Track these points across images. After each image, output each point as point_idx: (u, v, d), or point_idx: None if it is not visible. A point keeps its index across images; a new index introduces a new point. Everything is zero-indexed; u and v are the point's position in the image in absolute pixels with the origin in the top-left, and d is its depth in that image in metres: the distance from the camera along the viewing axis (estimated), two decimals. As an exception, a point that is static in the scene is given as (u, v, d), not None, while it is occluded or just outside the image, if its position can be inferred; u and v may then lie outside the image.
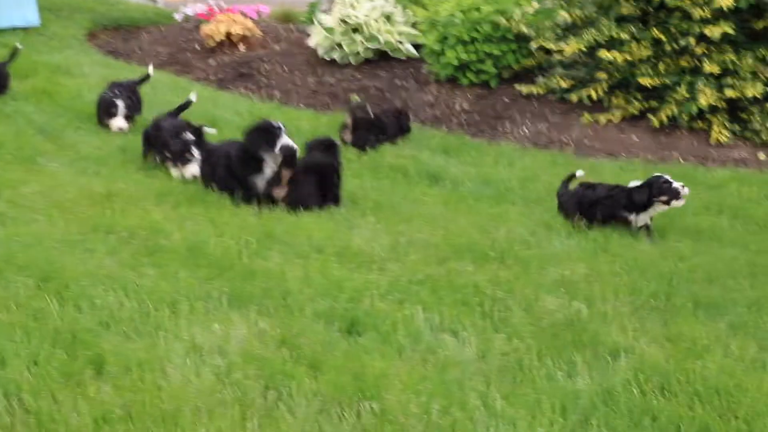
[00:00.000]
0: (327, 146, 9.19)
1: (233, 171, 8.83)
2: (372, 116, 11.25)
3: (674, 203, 8.40)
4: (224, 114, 12.20)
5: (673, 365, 5.83)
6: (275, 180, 8.77)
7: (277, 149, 8.67)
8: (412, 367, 5.66)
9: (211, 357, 5.63)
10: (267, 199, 8.73)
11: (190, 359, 5.59)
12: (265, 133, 8.79)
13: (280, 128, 8.77)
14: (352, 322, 6.22)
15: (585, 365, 5.80)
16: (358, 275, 7.03)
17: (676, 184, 8.37)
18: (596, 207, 8.66)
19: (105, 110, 11.21)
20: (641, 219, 8.55)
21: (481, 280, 7.06)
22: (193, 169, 9.50)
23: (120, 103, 11.15)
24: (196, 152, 9.51)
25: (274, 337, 5.94)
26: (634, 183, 8.62)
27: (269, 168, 8.75)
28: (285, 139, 8.72)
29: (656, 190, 8.39)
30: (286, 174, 8.72)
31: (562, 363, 5.82)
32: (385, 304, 6.51)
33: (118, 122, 11.15)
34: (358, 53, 14.27)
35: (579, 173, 9.17)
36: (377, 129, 11.14)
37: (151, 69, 12.24)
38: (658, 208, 8.48)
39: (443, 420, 5.09)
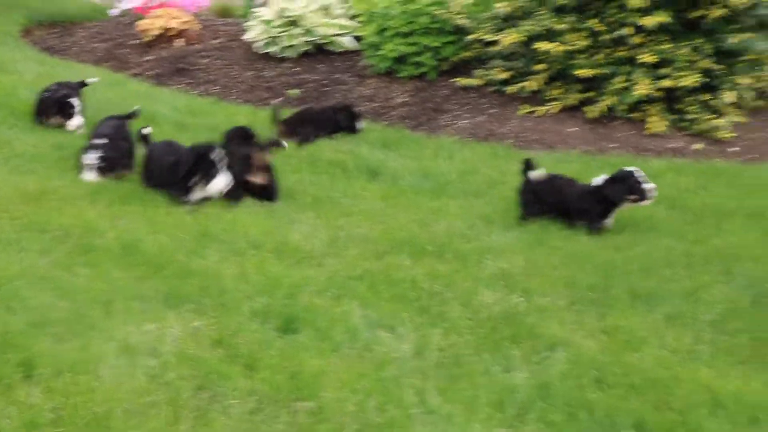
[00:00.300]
0: (245, 136, 9.30)
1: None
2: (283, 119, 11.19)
3: (642, 203, 8.40)
4: (162, 110, 12.05)
5: (609, 358, 5.86)
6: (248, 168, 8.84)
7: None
8: (349, 364, 5.64)
9: (145, 358, 5.58)
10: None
11: (123, 360, 5.53)
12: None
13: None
14: (289, 319, 6.18)
15: (522, 359, 5.81)
16: (295, 271, 6.99)
17: (647, 185, 8.34)
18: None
19: (59, 109, 10.99)
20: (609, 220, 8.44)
21: (419, 274, 7.04)
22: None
23: (76, 102, 10.98)
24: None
25: (209, 336, 5.89)
26: (598, 179, 8.50)
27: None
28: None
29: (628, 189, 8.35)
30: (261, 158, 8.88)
31: (499, 357, 5.83)
32: (322, 301, 6.48)
33: (76, 121, 10.96)
34: (295, 47, 14.19)
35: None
36: (314, 124, 11.07)
37: (94, 79, 11.99)
38: (624, 207, 8.45)
39: (380, 418, 5.07)
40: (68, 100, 10.98)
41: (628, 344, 6.08)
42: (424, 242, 7.75)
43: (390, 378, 5.49)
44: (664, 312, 6.65)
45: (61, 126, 10.90)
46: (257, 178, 8.79)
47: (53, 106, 11.02)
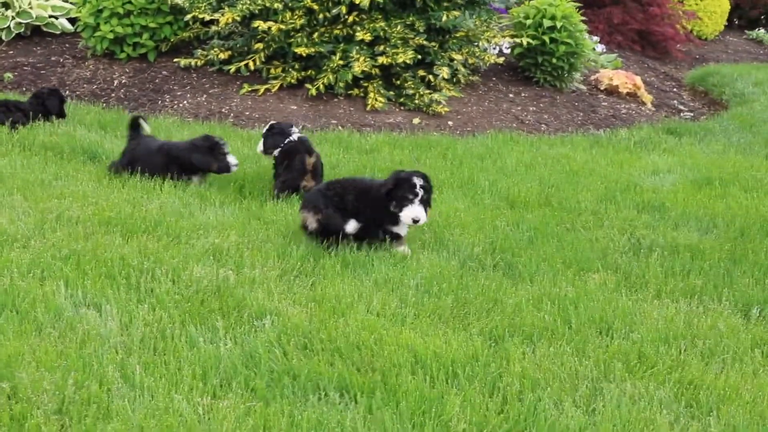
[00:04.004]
0: None
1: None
2: None
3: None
4: None
5: (316, 325, 5.93)
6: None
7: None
8: (49, 344, 5.49)
9: None
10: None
11: None
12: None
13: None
14: (-11, 302, 5.98)
15: (228, 330, 5.81)
16: (-2, 255, 6.76)
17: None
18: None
19: None
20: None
21: (129, 252, 6.93)
22: None
23: None
24: None
25: None
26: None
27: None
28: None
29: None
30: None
31: (205, 330, 5.80)
32: (25, 283, 6.28)
33: None
34: (9, 29, 13.72)
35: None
36: (12, 111, 10.67)
37: None
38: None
39: (79, 394, 4.96)
40: None
41: (336, 311, 6.16)
42: (137, 221, 7.63)
43: (92, 355, 5.38)
44: (372, 279, 6.78)
45: None
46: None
47: None
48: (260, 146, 8.94)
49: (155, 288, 6.37)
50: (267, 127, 8.91)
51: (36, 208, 7.89)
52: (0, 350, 5.31)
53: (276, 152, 8.76)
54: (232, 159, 8.83)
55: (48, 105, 10.87)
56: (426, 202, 7.33)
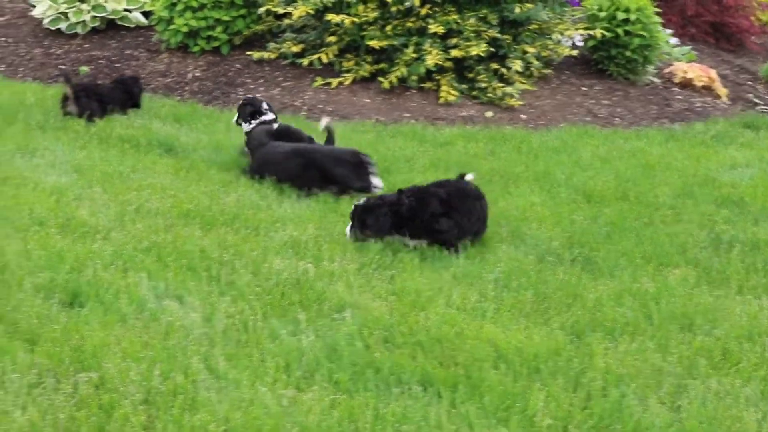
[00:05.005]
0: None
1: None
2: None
3: None
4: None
5: (397, 318, 5.94)
6: None
7: None
8: (134, 335, 5.55)
9: None
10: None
11: None
12: None
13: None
14: (74, 293, 6.06)
15: (310, 323, 5.83)
16: (80, 246, 6.84)
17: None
18: None
19: None
20: None
21: (209, 244, 6.99)
22: None
23: None
24: None
25: (-12, 313, 5.72)
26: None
27: None
28: None
29: None
30: None
31: (287, 322, 5.84)
32: (108, 274, 6.36)
33: None
34: (85, 22, 13.86)
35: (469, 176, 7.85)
36: (100, 96, 10.79)
37: None
38: None
39: (164, 385, 5.01)
40: None
41: (416, 304, 6.17)
42: (215, 214, 7.70)
43: (176, 346, 5.44)
44: (451, 273, 6.78)
45: None
46: None
47: None
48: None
49: (236, 280, 6.42)
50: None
51: (115, 200, 7.98)
52: (87, 340, 5.38)
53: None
54: (376, 180, 8.55)
55: (133, 91, 11.03)
56: None
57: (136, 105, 11.05)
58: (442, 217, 7.23)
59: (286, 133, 9.25)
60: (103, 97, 10.72)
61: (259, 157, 8.98)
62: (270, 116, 9.44)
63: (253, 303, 6.04)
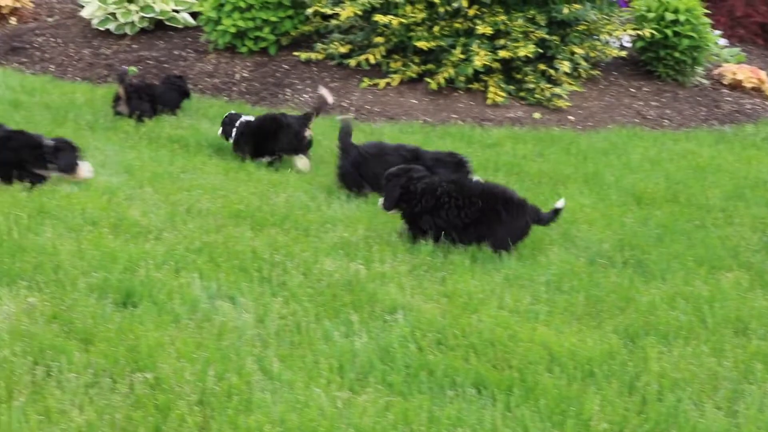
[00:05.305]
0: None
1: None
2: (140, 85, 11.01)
3: None
4: (-6, 89, 11.77)
5: (449, 320, 5.93)
6: None
7: None
8: (188, 335, 5.58)
9: (-24, 336, 5.43)
10: None
11: (-47, 338, 5.38)
12: None
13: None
14: (128, 293, 6.10)
15: (362, 324, 5.83)
16: (133, 246, 6.87)
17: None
18: None
19: None
20: None
21: (260, 245, 7.00)
22: None
23: None
24: None
25: (43, 312, 5.75)
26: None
27: None
28: None
29: None
30: None
31: (339, 323, 5.84)
32: (161, 274, 6.39)
33: None
34: (133, 23, 13.94)
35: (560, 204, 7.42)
36: (152, 97, 10.86)
37: None
38: None
39: (219, 386, 5.03)
40: None
41: (468, 306, 6.16)
42: (265, 214, 7.71)
43: (230, 347, 5.46)
44: (502, 275, 6.76)
45: None
46: None
47: None
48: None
49: (287, 281, 6.43)
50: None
51: (166, 200, 8.02)
52: (142, 340, 5.41)
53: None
54: (476, 178, 8.24)
55: (185, 90, 11.16)
56: None
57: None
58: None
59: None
60: (155, 98, 10.80)
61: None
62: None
63: (305, 304, 6.05)
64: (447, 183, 7.35)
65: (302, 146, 9.32)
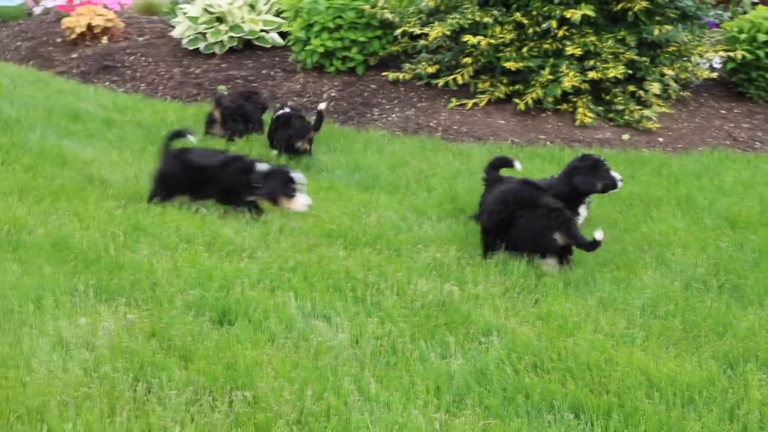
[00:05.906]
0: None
1: None
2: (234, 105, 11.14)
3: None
4: (87, 107, 11.97)
5: (545, 343, 5.89)
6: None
7: None
8: (285, 354, 5.61)
9: (79, 351, 5.51)
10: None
11: (56, 354, 5.47)
12: None
13: None
14: (223, 311, 6.15)
15: (458, 346, 5.82)
16: (228, 264, 6.93)
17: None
18: None
19: None
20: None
21: (353, 265, 7.02)
22: None
23: None
24: None
25: (143, 329, 5.83)
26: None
27: None
28: None
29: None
30: None
31: (435, 344, 5.83)
32: (256, 293, 6.44)
33: None
34: (222, 42, 14.12)
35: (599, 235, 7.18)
36: (242, 117, 10.99)
37: None
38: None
39: (317, 406, 5.05)
40: None
41: (563, 329, 6.11)
42: (357, 234, 7.73)
43: (326, 367, 5.47)
44: (597, 298, 6.70)
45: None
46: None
47: None
48: None
49: (381, 301, 6.43)
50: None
51: (259, 219, 8.07)
52: (239, 359, 5.44)
53: None
54: (616, 174, 8.16)
55: (264, 105, 11.48)
56: None
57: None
58: None
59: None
60: (247, 117, 10.94)
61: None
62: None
63: (400, 324, 6.05)
64: None
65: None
